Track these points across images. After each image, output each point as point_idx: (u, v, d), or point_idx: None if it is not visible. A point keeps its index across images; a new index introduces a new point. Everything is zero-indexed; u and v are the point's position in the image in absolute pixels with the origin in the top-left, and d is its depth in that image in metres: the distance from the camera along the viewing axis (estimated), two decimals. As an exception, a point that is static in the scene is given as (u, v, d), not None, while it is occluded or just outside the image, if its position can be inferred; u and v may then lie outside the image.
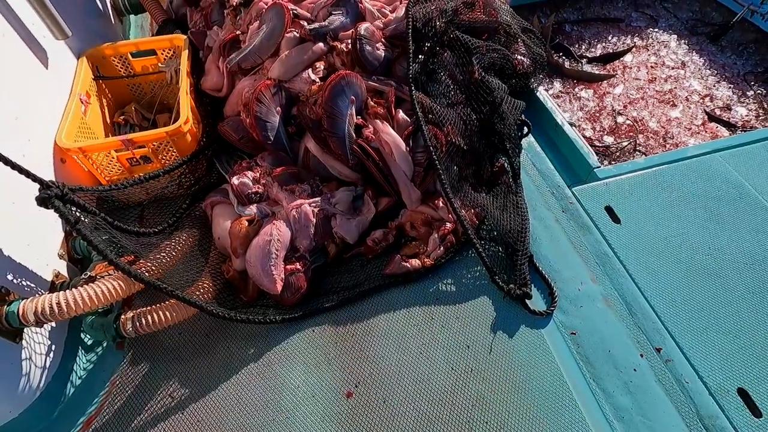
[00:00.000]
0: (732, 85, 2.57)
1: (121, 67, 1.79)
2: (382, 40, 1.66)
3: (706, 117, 2.40)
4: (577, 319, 1.38)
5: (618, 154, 2.23)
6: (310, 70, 1.58)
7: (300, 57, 1.57)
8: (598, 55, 2.76)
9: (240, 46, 1.69)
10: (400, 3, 1.80)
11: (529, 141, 1.88)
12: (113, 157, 1.44)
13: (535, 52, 2.02)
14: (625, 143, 2.27)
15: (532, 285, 1.44)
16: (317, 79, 1.57)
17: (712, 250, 1.53)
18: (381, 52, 1.63)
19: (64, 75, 1.55)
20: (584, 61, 2.71)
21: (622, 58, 2.71)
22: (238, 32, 1.69)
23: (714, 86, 2.56)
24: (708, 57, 2.72)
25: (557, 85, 2.57)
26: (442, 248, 1.50)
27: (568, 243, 1.56)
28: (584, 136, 2.34)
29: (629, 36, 2.86)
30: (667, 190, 1.71)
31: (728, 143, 1.89)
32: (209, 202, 1.46)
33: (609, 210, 1.65)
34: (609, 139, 2.30)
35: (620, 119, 2.39)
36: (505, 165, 1.70)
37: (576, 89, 2.55)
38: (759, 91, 2.51)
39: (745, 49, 2.79)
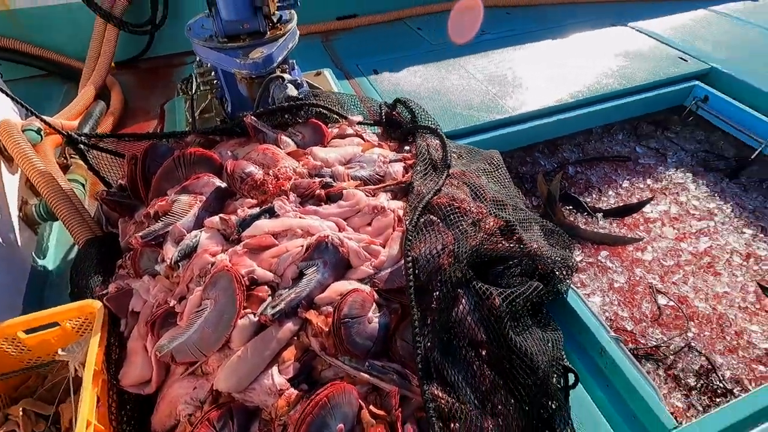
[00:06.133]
0: (772, 237, 2.23)
1: (9, 347, 1.28)
2: (375, 299, 1.21)
3: (758, 287, 2.02)
4: None
5: (673, 358, 1.79)
6: (275, 370, 1.09)
7: (260, 355, 1.09)
8: (612, 204, 2.42)
9: (175, 321, 1.21)
10: (393, 230, 1.38)
11: (577, 394, 1.41)
12: None
13: (563, 255, 1.61)
14: (677, 340, 1.83)
15: None
16: (286, 384, 1.08)
17: None
18: (375, 325, 1.17)
19: None
20: (600, 215, 2.35)
21: (641, 210, 2.37)
22: (172, 302, 1.21)
23: (753, 241, 2.21)
24: (734, 200, 2.41)
25: (576, 253, 2.18)
26: None
27: None
28: (624, 330, 1.90)
29: (641, 177, 2.55)
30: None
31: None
32: None
33: None
34: (655, 333, 1.87)
35: (662, 300, 1.98)
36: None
37: (599, 256, 2.16)
38: (809, 250, 2.17)
39: (771, 186, 2.51)
